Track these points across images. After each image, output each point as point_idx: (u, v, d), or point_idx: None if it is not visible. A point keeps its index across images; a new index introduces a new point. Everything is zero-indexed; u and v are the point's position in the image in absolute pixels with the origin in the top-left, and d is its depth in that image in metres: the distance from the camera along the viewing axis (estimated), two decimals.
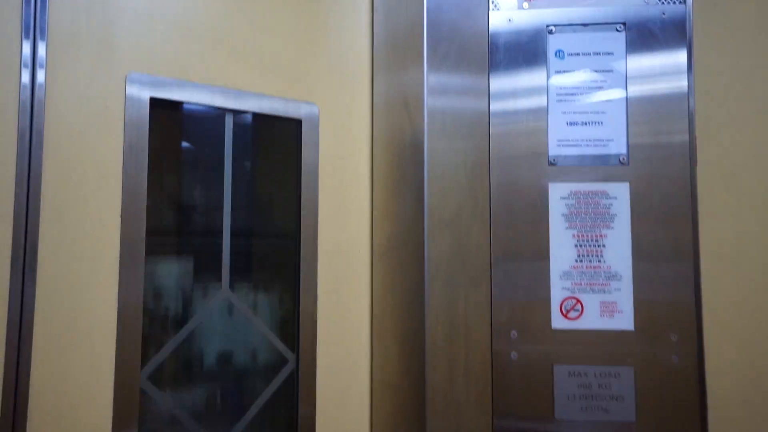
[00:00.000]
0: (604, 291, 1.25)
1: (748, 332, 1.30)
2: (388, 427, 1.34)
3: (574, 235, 1.27)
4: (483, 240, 1.26)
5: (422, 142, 1.27)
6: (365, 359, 1.36)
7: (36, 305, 0.99)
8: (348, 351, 1.34)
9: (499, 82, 1.28)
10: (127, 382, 1.07)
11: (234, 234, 1.27)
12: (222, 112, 1.27)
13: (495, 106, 1.28)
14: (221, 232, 1.25)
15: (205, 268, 1.26)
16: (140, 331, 1.09)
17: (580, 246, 1.27)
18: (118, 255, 1.07)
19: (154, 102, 1.15)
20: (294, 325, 1.26)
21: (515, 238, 1.26)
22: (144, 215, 1.11)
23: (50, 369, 1.00)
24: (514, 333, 1.25)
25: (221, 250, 1.25)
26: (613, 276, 1.25)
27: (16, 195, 0.99)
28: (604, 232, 1.26)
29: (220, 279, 1.25)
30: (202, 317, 1.24)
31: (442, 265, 1.25)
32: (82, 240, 1.04)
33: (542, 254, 1.26)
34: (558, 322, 1.25)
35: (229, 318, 1.26)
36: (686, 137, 1.25)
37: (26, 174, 1.01)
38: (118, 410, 1.06)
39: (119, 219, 1.07)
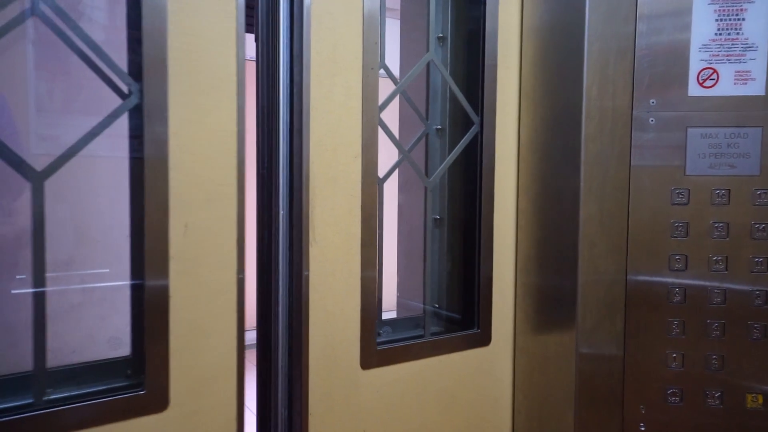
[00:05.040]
0: (740, 61, 1.40)
1: None
2: (536, 179, 1.58)
3: (715, 11, 1.40)
4: (630, 19, 1.41)
5: None
6: (513, 125, 1.62)
7: None
8: (507, 117, 1.59)
9: None
10: None
11: None
12: None
13: None
14: None
15: None
16: None
17: (720, 20, 1.40)
18: None
19: None
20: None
21: (660, 16, 1.40)
22: None
23: None
24: (653, 101, 1.43)
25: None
26: (749, 47, 1.39)
27: None
28: (744, 6, 1.39)
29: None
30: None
31: (596, 36, 1.42)
32: None
33: (684, 29, 1.41)
34: (694, 90, 1.42)
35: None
36: None
37: None
38: None
39: None
